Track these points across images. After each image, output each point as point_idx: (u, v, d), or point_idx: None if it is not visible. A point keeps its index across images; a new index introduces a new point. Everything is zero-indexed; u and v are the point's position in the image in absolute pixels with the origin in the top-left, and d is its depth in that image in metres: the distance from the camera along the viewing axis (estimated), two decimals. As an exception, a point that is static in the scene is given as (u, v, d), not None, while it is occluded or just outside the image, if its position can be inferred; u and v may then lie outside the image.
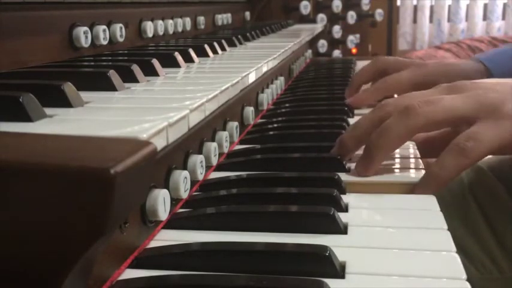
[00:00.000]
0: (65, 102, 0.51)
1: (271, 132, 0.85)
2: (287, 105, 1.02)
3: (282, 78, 1.15)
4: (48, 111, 0.47)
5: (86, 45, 0.81)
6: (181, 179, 0.54)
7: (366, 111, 0.77)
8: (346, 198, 0.58)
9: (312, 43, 1.91)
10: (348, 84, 1.05)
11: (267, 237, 0.49)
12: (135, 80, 0.66)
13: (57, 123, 0.46)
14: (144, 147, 0.35)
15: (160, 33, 1.10)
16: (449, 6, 3.98)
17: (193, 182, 0.59)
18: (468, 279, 0.41)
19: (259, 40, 1.32)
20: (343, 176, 0.62)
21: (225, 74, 0.74)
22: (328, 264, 0.43)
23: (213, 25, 1.49)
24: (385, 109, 0.64)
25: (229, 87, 0.66)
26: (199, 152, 0.63)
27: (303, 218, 0.51)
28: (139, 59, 0.72)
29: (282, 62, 1.09)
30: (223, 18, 1.56)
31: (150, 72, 0.71)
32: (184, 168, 0.58)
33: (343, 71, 1.42)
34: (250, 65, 0.82)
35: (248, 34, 1.26)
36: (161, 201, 0.48)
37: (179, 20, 1.20)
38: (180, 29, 1.20)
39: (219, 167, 0.68)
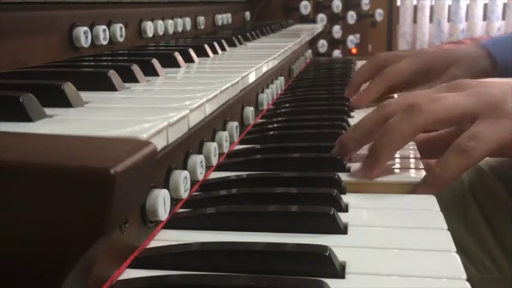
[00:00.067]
0: (65, 102, 0.51)
1: (271, 132, 0.85)
2: (287, 105, 1.02)
3: (282, 78, 1.15)
4: (48, 111, 0.47)
5: (86, 45, 0.81)
6: (181, 179, 0.54)
7: (368, 110, 0.77)
8: (346, 198, 0.57)
9: (312, 43, 1.91)
10: (347, 84, 1.05)
11: (267, 237, 0.49)
12: (135, 80, 0.66)
13: (57, 123, 0.46)
14: (144, 147, 0.35)
15: (160, 33, 1.10)
16: (449, 6, 3.98)
17: (193, 182, 0.59)
18: (468, 279, 0.41)
19: (259, 40, 1.32)
20: (343, 176, 0.62)
21: (225, 74, 0.74)
22: (328, 264, 0.43)
23: (213, 25, 1.49)
24: (387, 109, 0.64)
25: (229, 87, 0.66)
26: (199, 152, 0.63)
27: (303, 218, 0.51)
28: (139, 59, 0.72)
29: (282, 62, 1.09)
30: (223, 18, 1.56)
31: (150, 72, 0.71)
32: (184, 168, 0.58)
33: (343, 71, 1.42)
34: (250, 65, 0.82)
35: (248, 34, 1.26)
36: (161, 201, 0.48)
37: (179, 20, 1.20)
38: (180, 29, 1.20)
39: (219, 167, 0.68)
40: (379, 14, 2.23)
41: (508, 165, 0.87)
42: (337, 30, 2.14)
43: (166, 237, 0.51)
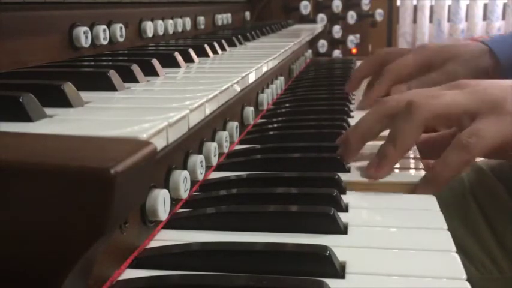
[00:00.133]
0: (65, 102, 0.51)
1: (271, 132, 0.85)
2: (287, 105, 1.02)
3: (282, 78, 1.15)
4: (48, 111, 0.47)
5: (86, 45, 0.81)
6: (181, 179, 0.54)
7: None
8: (346, 198, 0.57)
9: (312, 43, 1.91)
10: (348, 80, 1.05)
11: (267, 237, 0.49)
12: (135, 80, 0.66)
13: (57, 123, 0.46)
14: (144, 147, 0.35)
15: (160, 33, 1.10)
16: (449, 6, 3.98)
17: (193, 182, 0.59)
18: (468, 279, 0.41)
19: (259, 40, 1.32)
20: (344, 176, 0.62)
21: (225, 74, 0.74)
22: (328, 264, 0.43)
23: (213, 25, 1.49)
24: (387, 104, 0.65)
25: (229, 87, 0.66)
26: (199, 152, 0.63)
27: (303, 218, 0.51)
28: (139, 59, 0.72)
29: (282, 62, 1.09)
30: (223, 18, 1.56)
31: (150, 72, 0.71)
32: (184, 168, 0.58)
33: (343, 71, 1.42)
34: (250, 65, 0.82)
35: (248, 34, 1.26)
36: (161, 201, 0.48)
37: (179, 20, 1.20)
38: (180, 29, 1.20)
39: (219, 167, 0.68)
40: (379, 14, 2.23)
41: (508, 166, 0.87)
42: (337, 30, 2.14)
43: (166, 237, 0.51)
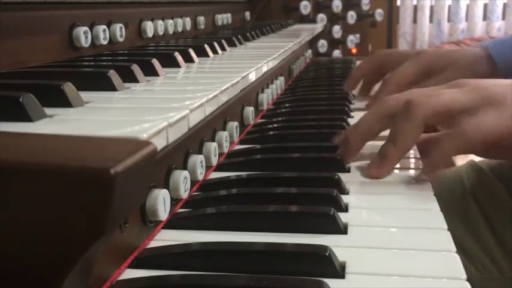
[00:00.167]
0: (65, 102, 0.51)
1: (271, 132, 0.85)
2: (287, 105, 1.02)
3: (282, 78, 1.15)
4: (48, 111, 0.47)
5: (86, 45, 0.81)
6: (181, 179, 0.54)
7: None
8: (346, 198, 0.58)
9: (312, 43, 1.91)
10: (347, 78, 1.05)
11: (267, 237, 0.49)
12: (135, 80, 0.66)
13: (57, 123, 0.46)
14: (144, 147, 0.35)
15: (160, 33, 1.10)
16: (449, 6, 3.98)
17: (193, 182, 0.59)
18: (468, 279, 0.41)
19: (259, 40, 1.32)
20: (344, 176, 0.62)
21: (225, 74, 0.74)
22: (328, 264, 0.43)
23: (213, 25, 1.49)
24: (387, 104, 0.65)
25: (229, 87, 0.66)
26: (199, 152, 0.63)
27: (303, 218, 0.51)
28: (139, 59, 0.72)
29: (282, 62, 1.09)
30: (223, 18, 1.56)
31: (150, 72, 0.71)
32: (184, 168, 0.58)
33: (343, 71, 1.41)
34: (250, 65, 0.82)
35: (248, 34, 1.26)
36: (161, 201, 0.48)
37: (179, 20, 1.19)
38: (180, 29, 1.20)
39: (219, 167, 0.68)
40: (379, 14, 2.23)
41: (508, 166, 0.87)
42: (337, 30, 2.14)
43: (166, 237, 0.51)
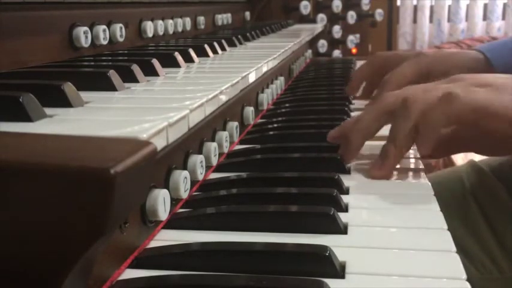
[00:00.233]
0: (65, 102, 0.51)
1: (271, 132, 0.85)
2: (287, 105, 1.02)
3: (282, 78, 1.15)
4: (48, 111, 0.47)
5: (86, 45, 0.81)
6: (181, 179, 0.54)
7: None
8: (346, 198, 0.58)
9: (312, 43, 1.91)
10: (348, 83, 1.05)
11: (267, 237, 0.49)
12: (135, 80, 0.66)
13: (57, 123, 0.46)
14: (144, 147, 0.35)
15: (160, 33, 1.10)
16: (449, 6, 3.98)
17: (193, 182, 0.59)
18: (468, 279, 0.41)
19: (259, 40, 1.32)
20: (344, 178, 0.62)
21: (225, 74, 0.74)
22: (328, 264, 0.43)
23: (213, 25, 1.49)
24: (385, 101, 0.65)
25: (229, 87, 0.66)
26: (199, 152, 0.63)
27: (303, 218, 0.51)
28: (139, 59, 0.72)
29: (282, 62, 1.08)
30: (223, 18, 1.56)
31: (150, 72, 0.71)
32: (184, 168, 0.58)
33: (343, 71, 1.42)
34: (250, 65, 0.82)
35: (248, 34, 1.26)
36: (161, 201, 0.48)
37: (179, 20, 1.19)
38: (180, 29, 1.20)
39: (219, 167, 0.68)
40: (379, 14, 2.23)
41: (508, 166, 0.87)
42: (337, 30, 2.14)
43: (166, 237, 0.51)
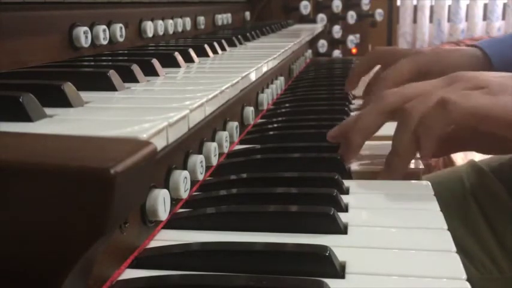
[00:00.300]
0: (65, 102, 0.51)
1: (271, 132, 0.85)
2: (287, 105, 1.02)
3: (282, 78, 1.15)
4: (48, 111, 0.47)
5: (86, 45, 0.81)
6: (181, 179, 0.54)
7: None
8: (346, 198, 0.58)
9: (312, 43, 1.91)
10: (347, 78, 1.05)
11: (267, 237, 0.49)
12: (135, 80, 0.66)
13: (57, 123, 0.46)
14: (144, 147, 0.35)
15: (160, 33, 1.10)
16: (449, 6, 3.98)
17: (193, 182, 0.59)
18: (468, 279, 0.41)
19: (259, 40, 1.32)
20: (346, 179, 0.62)
21: (225, 74, 0.74)
22: (328, 264, 0.43)
23: (213, 25, 1.49)
24: (386, 100, 0.65)
25: (229, 87, 0.66)
26: (199, 152, 0.63)
27: (303, 218, 0.51)
28: (139, 59, 0.72)
29: (282, 62, 1.09)
30: (223, 18, 1.56)
31: (150, 72, 0.71)
32: (184, 168, 0.58)
33: (343, 71, 1.41)
34: (250, 65, 0.82)
35: (248, 34, 1.26)
36: (161, 201, 0.48)
37: (179, 20, 1.19)
38: (180, 29, 1.20)
39: (219, 167, 0.68)
40: (379, 14, 2.23)
41: (508, 166, 0.87)
42: (337, 30, 2.14)
43: (166, 237, 0.51)
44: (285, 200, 0.56)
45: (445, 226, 0.50)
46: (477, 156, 0.94)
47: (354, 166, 0.68)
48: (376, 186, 0.61)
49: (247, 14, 1.89)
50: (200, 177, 0.59)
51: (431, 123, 0.59)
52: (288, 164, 0.67)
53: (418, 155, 0.70)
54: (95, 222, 0.32)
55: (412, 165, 0.68)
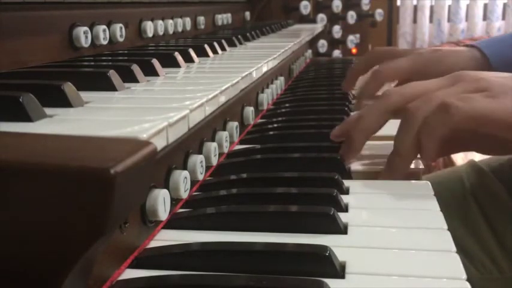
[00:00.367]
0: (65, 102, 0.51)
1: (271, 132, 0.85)
2: (287, 105, 1.02)
3: (282, 78, 1.15)
4: (48, 111, 0.47)
5: (86, 45, 0.81)
6: (181, 179, 0.54)
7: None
8: (346, 198, 0.58)
9: (312, 43, 1.91)
10: (345, 78, 1.05)
11: (267, 237, 0.49)
12: (135, 80, 0.66)
13: (57, 123, 0.46)
14: (144, 147, 0.35)
15: (160, 33, 1.10)
16: (449, 6, 3.98)
17: (193, 182, 0.59)
18: (468, 279, 0.41)
19: (259, 40, 1.32)
20: (346, 179, 0.62)
21: (225, 74, 0.74)
22: (328, 264, 0.43)
23: (213, 25, 1.49)
24: (389, 100, 0.65)
25: (229, 87, 0.66)
26: (199, 152, 0.63)
27: (303, 218, 0.51)
28: (139, 59, 0.72)
29: (282, 62, 1.08)
30: (223, 18, 1.56)
31: (150, 72, 0.71)
32: (184, 168, 0.58)
33: (343, 71, 1.41)
34: (250, 65, 0.82)
35: (248, 34, 1.26)
36: (161, 201, 0.48)
37: (179, 20, 1.19)
38: (180, 29, 1.20)
39: (219, 167, 0.68)
40: (379, 14, 2.23)
41: (508, 166, 0.87)
42: (337, 30, 2.14)
43: (166, 237, 0.51)
44: (285, 200, 0.56)
45: (445, 226, 0.50)
46: (477, 156, 0.94)
47: (354, 166, 0.68)
48: (376, 186, 0.61)
49: (247, 14, 1.89)
50: (200, 177, 0.59)
51: (433, 126, 0.59)
52: (288, 164, 0.67)
53: (418, 155, 0.71)
54: (95, 222, 0.32)
55: (412, 165, 0.68)
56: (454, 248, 0.46)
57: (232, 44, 1.12)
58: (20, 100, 0.45)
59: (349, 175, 0.66)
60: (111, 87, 0.60)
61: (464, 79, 0.63)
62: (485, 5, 3.98)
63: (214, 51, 0.98)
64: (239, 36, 1.19)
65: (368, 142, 0.68)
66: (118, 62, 0.73)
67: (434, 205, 0.55)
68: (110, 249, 0.42)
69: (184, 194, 0.54)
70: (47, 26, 0.76)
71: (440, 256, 0.45)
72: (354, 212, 0.55)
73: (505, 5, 3.99)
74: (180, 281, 0.42)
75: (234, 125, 0.75)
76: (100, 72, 0.62)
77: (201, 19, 1.36)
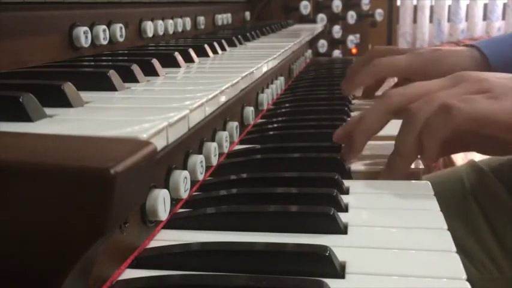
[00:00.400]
0: (65, 102, 0.51)
1: (271, 132, 0.85)
2: (287, 105, 1.02)
3: (282, 78, 1.15)
4: (48, 111, 0.47)
5: (86, 45, 0.81)
6: (181, 179, 0.54)
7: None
8: (346, 198, 0.58)
9: (312, 43, 1.91)
10: (344, 77, 1.05)
11: (267, 237, 0.49)
12: (135, 80, 0.66)
13: (57, 123, 0.46)
14: (144, 147, 0.35)
15: (160, 33, 1.10)
16: (449, 6, 3.98)
17: (193, 182, 0.59)
18: (468, 279, 0.41)
19: (259, 40, 1.32)
20: (346, 179, 0.62)
21: (225, 74, 0.74)
22: (328, 264, 0.43)
23: (213, 25, 1.49)
24: (390, 100, 0.65)
25: (229, 87, 0.66)
26: (199, 152, 0.63)
27: (303, 218, 0.51)
28: (139, 59, 0.72)
29: (282, 62, 1.08)
30: (223, 18, 1.56)
31: (150, 72, 0.71)
32: (184, 168, 0.58)
33: (343, 71, 1.41)
34: (250, 65, 0.82)
35: (248, 34, 1.26)
36: (161, 201, 0.48)
37: (179, 20, 1.20)
38: (180, 29, 1.20)
39: (219, 167, 0.68)
40: (379, 14, 2.23)
41: (508, 166, 0.87)
42: (337, 30, 2.14)
43: (166, 237, 0.51)
44: (285, 200, 0.56)
45: (445, 226, 0.50)
46: (477, 156, 0.94)
47: (354, 166, 0.68)
48: (376, 186, 0.61)
49: (247, 14, 1.89)
50: (200, 177, 0.59)
51: (435, 127, 0.59)
52: (288, 164, 0.67)
53: (418, 156, 0.71)
54: (95, 222, 0.32)
55: (412, 165, 0.68)
56: (454, 248, 0.46)
57: (232, 44, 1.12)
58: (20, 100, 0.45)
59: (349, 175, 0.66)
60: (111, 87, 0.60)
61: (466, 80, 0.63)
62: (485, 5, 3.98)
63: (214, 51, 0.98)
64: (239, 36, 1.19)
65: (368, 142, 0.68)
66: (118, 62, 0.73)
67: (434, 205, 0.55)
68: (110, 249, 0.42)
69: (184, 194, 0.54)
70: (47, 26, 0.76)
71: (441, 256, 0.45)
72: (354, 212, 0.55)
73: (505, 5, 3.99)
74: (180, 281, 0.42)
75: (234, 125, 0.75)
76: (100, 72, 0.62)
77: (201, 19, 1.36)
